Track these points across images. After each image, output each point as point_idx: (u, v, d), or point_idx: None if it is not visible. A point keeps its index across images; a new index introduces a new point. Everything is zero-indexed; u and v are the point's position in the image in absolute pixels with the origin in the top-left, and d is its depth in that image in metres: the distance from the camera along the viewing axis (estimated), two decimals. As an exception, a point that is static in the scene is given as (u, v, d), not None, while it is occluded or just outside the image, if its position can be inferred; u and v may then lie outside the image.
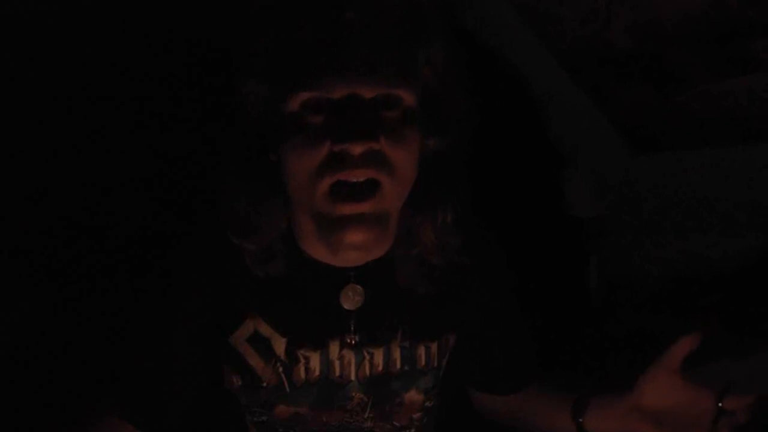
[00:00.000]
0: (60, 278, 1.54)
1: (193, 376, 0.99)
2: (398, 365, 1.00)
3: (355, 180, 0.83)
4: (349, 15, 0.82)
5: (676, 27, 1.55)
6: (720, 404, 0.88)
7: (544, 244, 1.86)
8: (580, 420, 0.99)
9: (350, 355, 0.98)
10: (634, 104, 1.79)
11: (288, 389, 0.98)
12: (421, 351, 1.01)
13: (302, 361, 0.97)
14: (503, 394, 1.10)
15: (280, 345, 0.96)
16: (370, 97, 0.83)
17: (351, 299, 0.97)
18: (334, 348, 0.98)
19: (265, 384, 0.97)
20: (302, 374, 0.97)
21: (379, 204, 0.85)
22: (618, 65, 1.69)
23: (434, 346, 1.02)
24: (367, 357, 0.98)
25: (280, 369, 0.97)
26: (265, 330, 0.97)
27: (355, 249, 0.87)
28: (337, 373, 0.98)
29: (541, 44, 1.75)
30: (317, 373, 0.98)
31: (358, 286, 0.96)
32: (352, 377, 0.99)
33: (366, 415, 1.01)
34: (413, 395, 1.02)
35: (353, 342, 0.98)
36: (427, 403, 1.04)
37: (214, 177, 0.95)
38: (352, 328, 0.98)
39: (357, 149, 0.81)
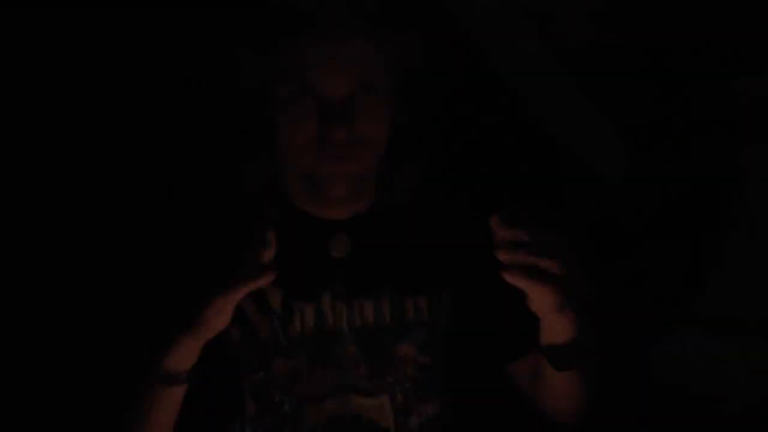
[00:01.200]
0: (56, 277, 1.54)
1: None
2: (388, 319, 1.05)
3: (336, 153, 0.96)
4: (329, 14, 0.94)
5: (676, 27, 1.55)
6: None
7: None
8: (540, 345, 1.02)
9: (342, 306, 1.04)
10: (634, 104, 1.79)
11: (284, 342, 1.02)
12: (410, 304, 1.06)
13: (297, 313, 1.03)
14: (510, 361, 1.14)
15: (275, 297, 1.02)
16: (351, 86, 0.95)
17: (338, 247, 1.04)
18: (326, 299, 1.03)
19: (261, 336, 1.02)
20: (297, 326, 1.03)
21: (356, 166, 0.98)
22: (618, 65, 1.70)
23: (422, 301, 1.06)
24: (357, 309, 1.04)
25: (276, 322, 1.02)
26: None
27: (339, 202, 1.01)
28: (330, 322, 1.03)
29: (541, 44, 1.75)
30: (311, 324, 1.03)
31: (345, 236, 1.04)
32: (344, 325, 1.04)
33: (361, 372, 1.04)
34: (405, 348, 1.06)
35: (342, 290, 1.04)
36: (421, 359, 1.07)
37: (210, 136, 1.03)
38: (340, 278, 1.04)
39: (340, 134, 0.94)
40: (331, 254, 1.04)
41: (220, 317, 0.90)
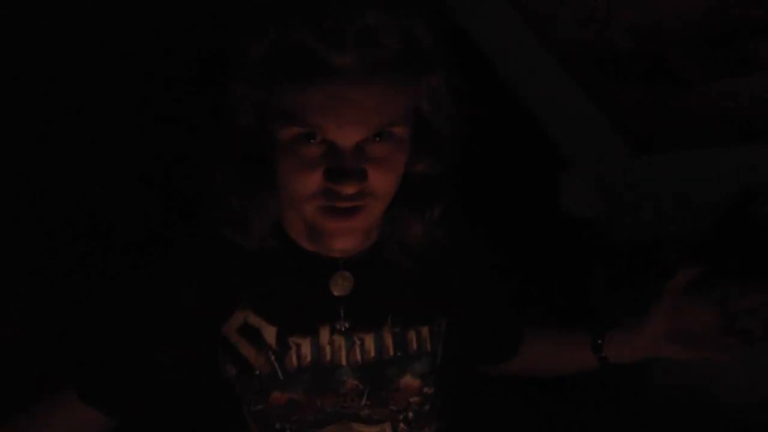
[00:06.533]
0: (56, 277, 1.54)
1: (179, 368, 1.01)
2: (391, 351, 1.02)
3: (343, 207, 0.89)
4: (345, 58, 0.83)
5: (677, 27, 1.55)
6: (726, 307, 1.01)
7: (543, 245, 1.86)
8: (602, 354, 1.09)
9: (340, 341, 1.00)
10: (634, 104, 1.79)
11: (281, 376, 1.00)
12: (412, 336, 1.04)
13: (293, 348, 0.99)
14: (504, 362, 1.18)
15: (270, 334, 0.99)
16: (364, 134, 0.86)
17: (340, 286, 1.00)
18: (324, 334, 1.00)
19: (258, 372, 1.00)
20: (294, 361, 1.00)
21: (364, 221, 0.92)
22: (618, 65, 1.70)
23: (425, 331, 1.04)
24: (358, 343, 1.01)
25: (272, 357, 0.99)
26: (255, 320, 0.99)
27: (343, 252, 0.97)
28: (328, 358, 1.00)
29: (541, 44, 1.75)
30: (308, 359, 1.00)
31: (347, 273, 1.00)
32: (343, 362, 1.01)
33: (363, 403, 1.03)
34: (408, 380, 1.04)
35: (343, 328, 1.00)
36: (426, 389, 1.06)
37: (206, 173, 0.97)
38: (342, 315, 1.00)
39: (349, 190, 0.86)
40: (332, 293, 1.00)
41: None
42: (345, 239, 0.94)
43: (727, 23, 1.48)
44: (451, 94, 0.93)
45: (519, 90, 1.89)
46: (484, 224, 1.15)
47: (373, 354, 1.02)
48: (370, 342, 1.01)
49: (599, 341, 1.10)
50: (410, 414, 1.05)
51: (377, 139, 0.87)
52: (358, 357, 1.01)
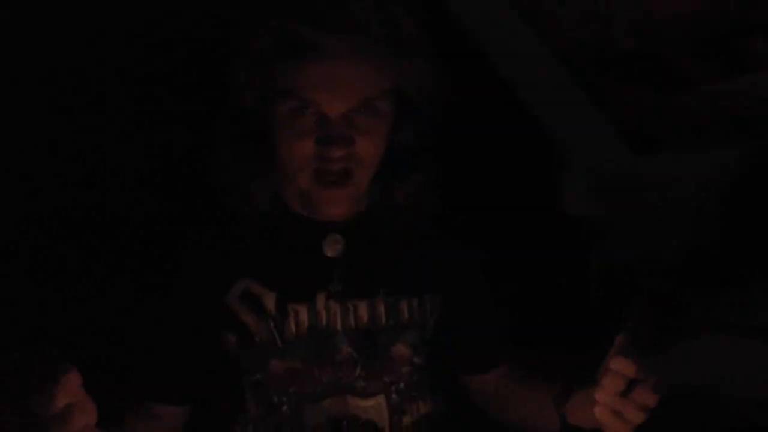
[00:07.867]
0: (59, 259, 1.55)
1: (195, 343, 1.06)
2: (383, 320, 1.07)
3: (334, 169, 0.99)
4: (330, 40, 0.95)
5: (676, 27, 1.55)
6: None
7: (543, 244, 1.87)
8: (563, 412, 1.06)
9: (336, 307, 1.06)
10: (634, 104, 1.79)
11: (280, 344, 1.04)
12: (404, 305, 1.09)
13: (292, 314, 1.05)
14: (479, 373, 1.18)
15: (270, 300, 1.05)
16: (350, 105, 0.97)
17: (332, 246, 1.07)
18: (320, 299, 1.06)
19: (257, 339, 1.04)
20: (293, 328, 1.05)
21: (353, 188, 1.01)
22: (618, 65, 1.70)
23: (416, 302, 1.09)
24: (351, 309, 1.06)
25: (272, 324, 1.04)
26: (256, 288, 1.05)
27: (335, 217, 1.04)
28: (324, 323, 1.05)
29: (541, 44, 1.76)
30: (306, 325, 1.05)
31: (338, 235, 1.06)
32: (338, 327, 1.06)
33: (357, 373, 1.06)
34: (400, 348, 1.08)
35: (337, 290, 1.05)
36: (416, 359, 1.09)
37: (213, 149, 1.04)
38: (335, 277, 1.06)
39: (337, 153, 0.97)
40: (325, 254, 1.06)
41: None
42: (336, 206, 1.02)
43: (727, 23, 1.48)
44: (433, 77, 1.02)
45: (519, 90, 1.90)
46: (483, 224, 1.16)
47: (366, 321, 1.06)
48: (363, 309, 1.07)
49: (562, 411, 1.05)
50: (402, 385, 1.09)
51: (362, 110, 0.98)
52: (352, 323, 1.06)
